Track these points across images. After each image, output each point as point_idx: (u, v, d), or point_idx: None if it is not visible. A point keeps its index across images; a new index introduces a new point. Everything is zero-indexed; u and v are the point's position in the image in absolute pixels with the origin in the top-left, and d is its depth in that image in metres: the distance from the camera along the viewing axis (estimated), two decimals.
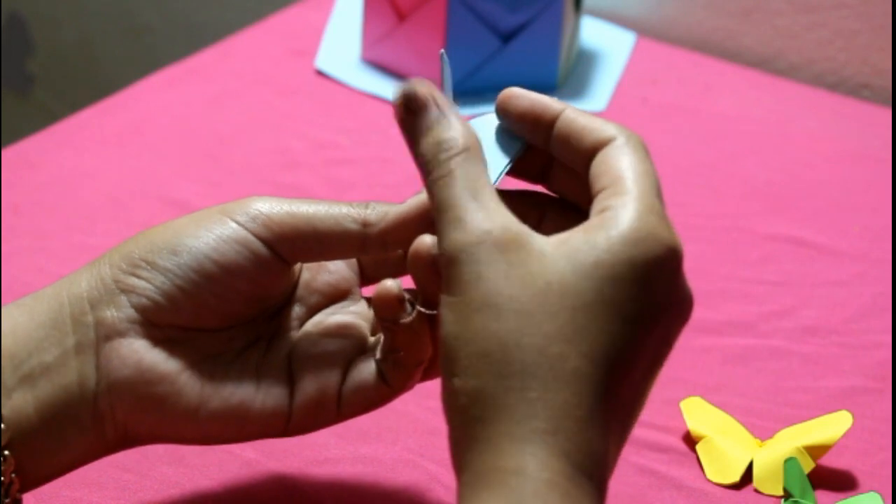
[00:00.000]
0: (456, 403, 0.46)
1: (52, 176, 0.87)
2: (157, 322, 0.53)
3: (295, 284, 0.57)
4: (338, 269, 0.58)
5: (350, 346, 0.56)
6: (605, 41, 1.07)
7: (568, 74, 1.02)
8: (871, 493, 0.66)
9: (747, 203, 0.89)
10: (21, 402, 0.52)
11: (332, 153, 0.92)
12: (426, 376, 0.57)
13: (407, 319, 0.53)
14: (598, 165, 0.50)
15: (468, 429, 0.46)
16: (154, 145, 0.91)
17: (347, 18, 1.07)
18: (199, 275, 0.53)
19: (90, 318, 0.53)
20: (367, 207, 0.54)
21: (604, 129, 0.50)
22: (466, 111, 0.97)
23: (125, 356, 0.53)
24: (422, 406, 0.70)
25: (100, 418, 0.53)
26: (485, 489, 0.45)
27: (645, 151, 0.50)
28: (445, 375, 0.47)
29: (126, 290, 0.53)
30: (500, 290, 0.46)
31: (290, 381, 0.55)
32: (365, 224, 0.54)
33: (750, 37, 1.08)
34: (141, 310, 0.53)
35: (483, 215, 0.47)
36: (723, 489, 0.67)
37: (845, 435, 0.67)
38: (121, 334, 0.53)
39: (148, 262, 0.53)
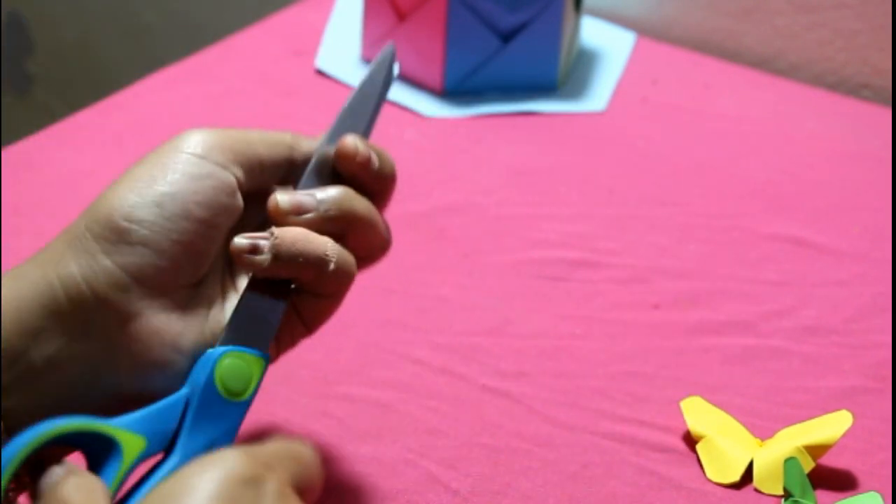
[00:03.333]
0: None
1: (52, 176, 0.87)
2: (166, 288, 0.52)
3: None
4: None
5: None
6: (605, 41, 1.07)
7: (568, 74, 1.02)
8: (871, 492, 0.66)
9: (747, 203, 0.89)
10: (19, 404, 0.50)
11: None
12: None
13: (331, 268, 0.56)
14: None
15: None
16: (154, 145, 0.91)
17: (347, 18, 1.07)
18: (188, 222, 0.52)
19: (96, 304, 0.51)
20: (286, 133, 0.58)
21: None
22: (466, 111, 0.97)
23: (150, 341, 0.52)
24: (422, 406, 0.70)
25: (117, 396, 0.52)
26: None
27: None
28: None
29: (127, 265, 0.51)
30: None
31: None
32: (292, 147, 0.57)
33: (750, 37, 1.08)
34: (144, 279, 0.51)
35: None
36: (723, 489, 0.67)
37: (845, 435, 0.67)
38: (137, 318, 0.51)
39: (136, 221, 0.51)
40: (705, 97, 1.01)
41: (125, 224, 0.51)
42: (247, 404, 0.53)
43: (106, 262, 0.51)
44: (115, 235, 0.51)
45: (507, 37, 0.98)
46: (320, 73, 1.01)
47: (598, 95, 1.00)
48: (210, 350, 0.53)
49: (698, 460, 0.68)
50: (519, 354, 0.74)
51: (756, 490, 0.66)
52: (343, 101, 0.63)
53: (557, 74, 1.00)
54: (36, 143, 0.90)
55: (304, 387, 0.71)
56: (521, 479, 0.66)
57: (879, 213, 0.88)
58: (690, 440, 0.69)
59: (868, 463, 0.68)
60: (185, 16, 1.43)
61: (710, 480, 0.67)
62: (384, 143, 0.93)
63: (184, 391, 0.52)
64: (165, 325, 0.52)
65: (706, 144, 0.95)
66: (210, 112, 0.95)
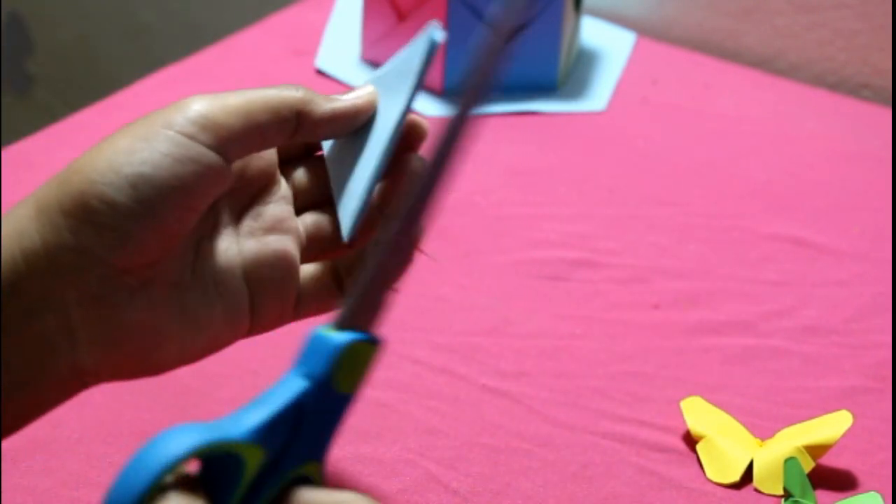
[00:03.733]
0: None
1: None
2: (128, 267, 0.50)
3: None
4: (266, 153, 0.56)
5: (293, 239, 0.56)
6: (605, 41, 1.07)
7: (568, 74, 1.02)
8: (871, 492, 0.66)
9: (747, 203, 0.89)
10: None
11: None
12: None
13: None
14: None
15: None
16: None
17: (347, 18, 1.07)
18: (163, 207, 0.50)
19: (59, 284, 0.49)
20: (297, 90, 0.54)
21: None
22: None
23: (109, 320, 0.50)
24: (422, 406, 0.70)
25: (78, 373, 0.51)
26: None
27: None
28: None
29: (91, 246, 0.49)
30: None
31: (247, 286, 0.54)
32: (300, 113, 0.53)
33: (750, 37, 1.08)
34: (111, 261, 0.50)
35: None
36: (723, 489, 0.67)
37: (845, 435, 0.67)
38: (98, 298, 0.50)
39: (107, 203, 0.49)
40: (705, 97, 1.01)
41: (96, 204, 0.49)
42: (351, 398, 0.47)
43: (71, 241, 0.49)
44: (85, 214, 0.49)
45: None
46: (320, 72, 1.01)
47: (598, 95, 1.00)
48: (329, 335, 0.47)
49: (698, 460, 0.68)
50: (519, 354, 0.74)
51: (756, 490, 0.66)
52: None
53: (557, 74, 1.00)
54: (36, 143, 0.90)
55: None
56: (521, 479, 0.66)
57: (879, 213, 0.88)
58: (690, 440, 0.69)
59: (868, 463, 0.68)
60: (185, 16, 1.43)
61: (710, 480, 0.67)
62: None
63: (301, 386, 0.46)
64: (126, 300, 0.51)
65: (706, 144, 0.95)
66: None
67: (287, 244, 0.55)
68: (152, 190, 0.50)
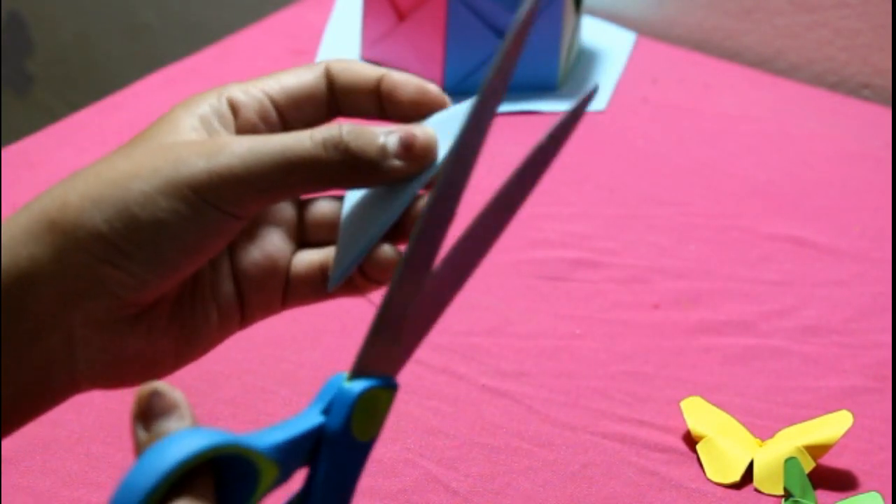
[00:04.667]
0: None
1: (52, 176, 0.86)
2: (137, 302, 0.51)
3: None
4: None
5: (280, 232, 0.55)
6: (605, 41, 1.07)
7: (568, 74, 1.02)
8: (872, 492, 0.66)
9: (747, 203, 0.89)
10: None
11: None
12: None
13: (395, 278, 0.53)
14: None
15: None
16: None
17: (347, 18, 1.07)
18: (179, 260, 0.51)
19: (67, 307, 0.50)
20: (344, 146, 0.52)
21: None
22: None
23: (110, 346, 0.51)
24: (422, 406, 0.70)
25: (75, 385, 0.52)
26: None
27: None
28: None
29: (107, 281, 0.50)
30: None
31: (235, 285, 0.54)
32: (338, 179, 0.53)
33: (750, 36, 1.08)
34: (123, 298, 0.50)
35: None
36: (723, 489, 0.67)
37: (845, 435, 0.67)
38: (102, 324, 0.51)
39: (127, 255, 0.50)
40: (705, 97, 1.01)
41: (115, 252, 0.50)
42: (372, 444, 0.49)
43: (87, 274, 0.50)
44: (105, 255, 0.50)
45: None
46: None
47: (599, 95, 1.00)
48: (347, 385, 0.48)
49: (698, 460, 0.68)
50: (519, 354, 0.74)
51: (756, 490, 0.66)
52: None
53: (557, 74, 1.00)
54: (36, 143, 0.90)
55: (304, 387, 0.71)
56: (521, 479, 0.66)
57: (879, 213, 0.88)
58: (690, 440, 0.69)
59: (868, 463, 0.68)
60: (185, 16, 1.43)
61: (710, 480, 0.67)
62: None
63: (318, 421, 0.47)
64: (129, 329, 0.51)
65: (706, 144, 0.95)
66: None
67: (271, 239, 0.55)
68: (171, 248, 0.50)
